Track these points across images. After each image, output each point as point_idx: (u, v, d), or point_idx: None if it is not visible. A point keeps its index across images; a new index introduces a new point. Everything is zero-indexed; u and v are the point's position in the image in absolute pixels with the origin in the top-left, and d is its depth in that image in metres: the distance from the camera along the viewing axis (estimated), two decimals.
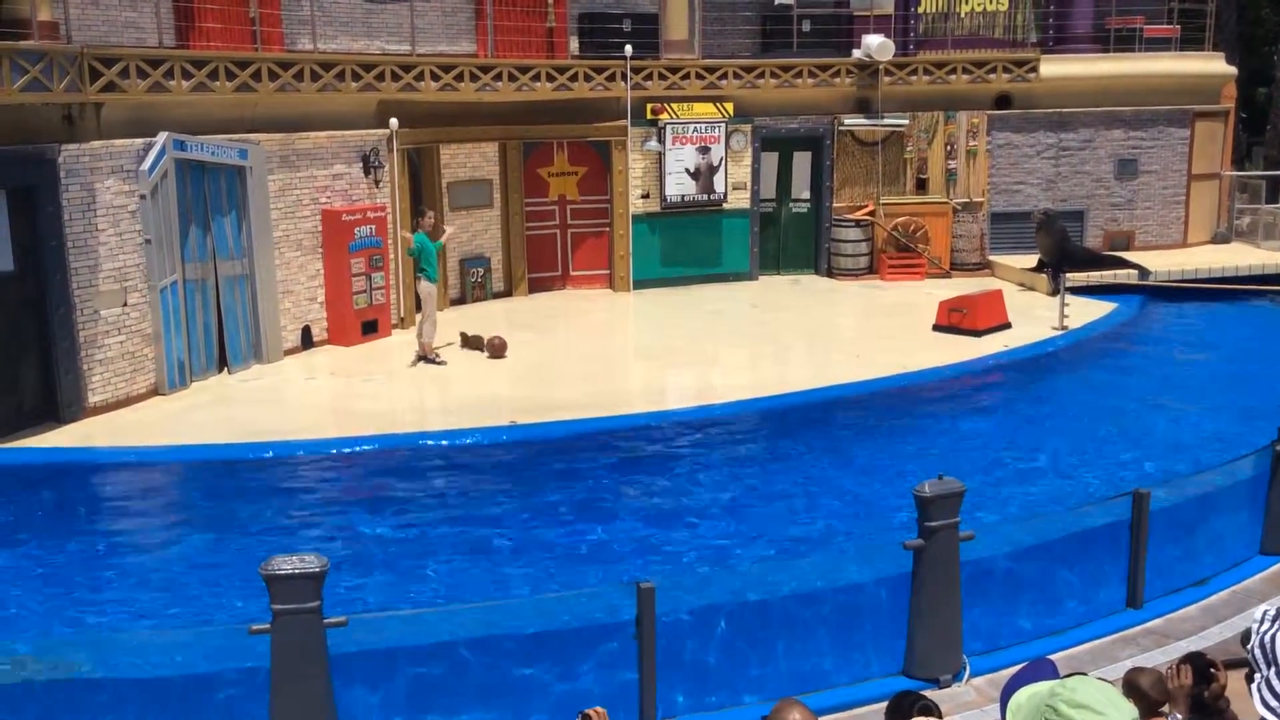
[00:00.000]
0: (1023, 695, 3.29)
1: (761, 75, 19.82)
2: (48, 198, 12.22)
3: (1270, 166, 25.85)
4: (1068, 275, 18.30)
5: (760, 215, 20.58)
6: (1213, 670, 4.68)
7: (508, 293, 19.36)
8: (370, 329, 16.36)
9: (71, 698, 6.71)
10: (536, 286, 19.69)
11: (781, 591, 7.77)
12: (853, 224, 20.53)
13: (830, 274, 20.72)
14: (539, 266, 19.75)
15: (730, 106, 19.71)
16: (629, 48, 18.71)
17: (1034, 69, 20.58)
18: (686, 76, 19.45)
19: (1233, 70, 22.28)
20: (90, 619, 8.81)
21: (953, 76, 20.44)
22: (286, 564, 6.11)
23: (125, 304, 13.14)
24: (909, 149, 20.65)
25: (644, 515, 10.75)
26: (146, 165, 13.12)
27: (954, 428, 13.21)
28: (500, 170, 18.99)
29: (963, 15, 21.21)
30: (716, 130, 19.70)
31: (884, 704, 4.00)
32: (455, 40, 18.24)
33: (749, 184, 20.26)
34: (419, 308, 15.51)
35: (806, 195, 20.98)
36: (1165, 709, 4.75)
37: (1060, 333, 16.56)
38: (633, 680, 6.87)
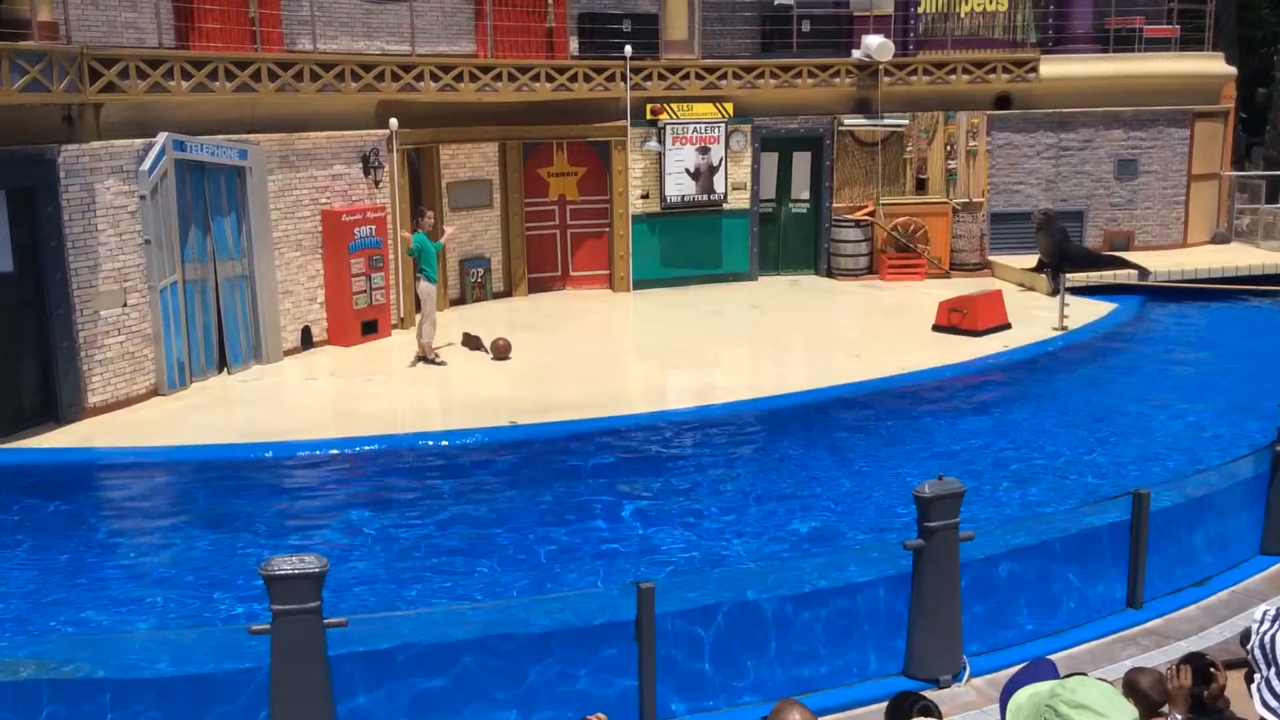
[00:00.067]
0: (1023, 695, 3.30)
1: (761, 75, 19.82)
2: (47, 198, 12.22)
3: (1270, 166, 25.85)
4: (1067, 275, 18.31)
5: (760, 215, 20.58)
6: (1212, 670, 4.68)
7: (507, 293, 19.37)
8: (370, 329, 16.36)
9: (73, 698, 6.71)
10: (536, 287, 19.69)
11: (781, 591, 7.77)
12: (853, 224, 20.53)
13: (830, 274, 20.72)
14: (539, 267, 19.75)
15: (730, 107, 19.72)
16: (629, 48, 18.71)
17: (1034, 69, 20.59)
18: (686, 77, 19.45)
19: (1232, 70, 22.29)
20: (89, 620, 8.81)
21: (952, 77, 20.44)
22: (286, 564, 6.11)
23: (125, 304, 13.14)
24: (909, 149, 20.65)
25: (644, 515, 10.74)
26: (146, 166, 13.12)
27: (954, 428, 13.21)
28: (500, 170, 19.00)
29: (962, 15, 21.22)
30: (716, 130, 19.70)
31: (884, 704, 4.00)
32: (455, 40, 18.25)
33: (749, 184, 20.26)
34: (419, 308, 15.51)
35: (806, 195, 20.98)
36: (1165, 709, 4.76)
37: (1060, 333, 16.56)
38: (635, 681, 6.88)
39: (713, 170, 19.77)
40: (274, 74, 14.82)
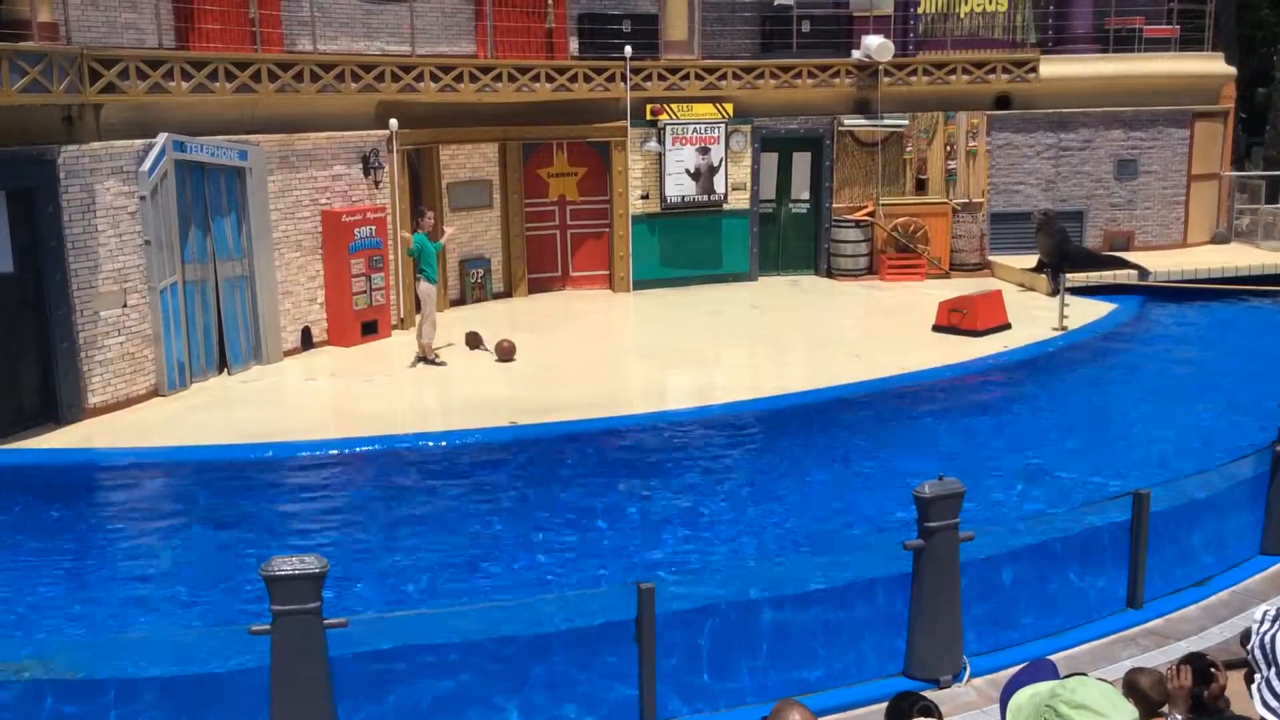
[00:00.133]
0: (1023, 696, 3.30)
1: (761, 76, 19.83)
2: (47, 199, 12.22)
3: (1270, 167, 25.85)
4: (1067, 276, 18.31)
5: (760, 216, 20.58)
6: (1213, 670, 4.68)
7: (507, 293, 19.37)
8: (370, 330, 16.36)
9: (73, 698, 6.71)
10: (536, 287, 19.69)
11: (780, 591, 7.77)
12: (852, 224, 20.53)
13: (830, 274, 20.72)
14: (539, 267, 19.75)
15: (730, 107, 19.72)
16: (628, 48, 18.71)
17: (1033, 69, 20.59)
18: (686, 77, 19.45)
19: (1232, 71, 22.29)
20: (90, 619, 8.81)
21: (952, 77, 20.44)
22: (286, 565, 6.11)
23: (125, 305, 13.14)
24: (909, 149, 20.65)
25: (644, 515, 10.75)
26: (146, 166, 13.12)
27: (953, 428, 13.21)
28: (500, 171, 19.00)
29: (962, 16, 21.22)
30: (716, 131, 19.70)
31: (884, 704, 4.00)
32: (455, 41, 18.25)
33: (749, 184, 20.26)
34: (419, 309, 15.51)
35: (806, 196, 20.98)
36: (1165, 709, 4.76)
37: (1060, 333, 16.56)
38: (635, 681, 6.87)
39: (713, 170, 19.78)
40: (274, 75, 14.82)
